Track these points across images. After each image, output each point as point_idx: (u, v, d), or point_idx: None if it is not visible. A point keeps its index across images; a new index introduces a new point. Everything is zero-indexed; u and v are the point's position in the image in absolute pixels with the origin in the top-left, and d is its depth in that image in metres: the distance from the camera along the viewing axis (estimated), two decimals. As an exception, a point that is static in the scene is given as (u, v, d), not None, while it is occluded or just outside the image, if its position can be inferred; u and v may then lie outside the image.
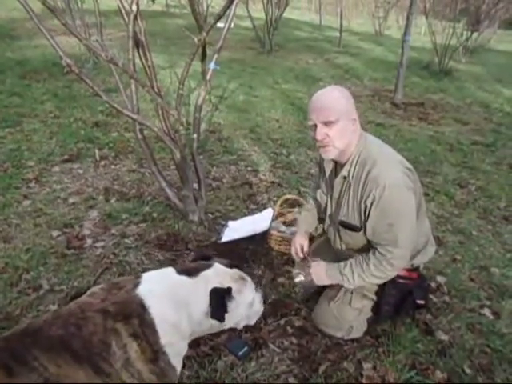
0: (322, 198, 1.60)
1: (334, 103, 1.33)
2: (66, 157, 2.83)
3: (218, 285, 1.16)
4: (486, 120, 4.83)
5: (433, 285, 1.89)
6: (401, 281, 1.48)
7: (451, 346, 1.56)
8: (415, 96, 5.54)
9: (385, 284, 1.47)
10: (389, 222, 1.31)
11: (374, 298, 1.53)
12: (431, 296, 1.80)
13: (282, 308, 1.68)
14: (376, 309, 1.54)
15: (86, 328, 0.98)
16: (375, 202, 1.31)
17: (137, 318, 1.03)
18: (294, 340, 1.54)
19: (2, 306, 1.57)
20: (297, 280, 1.57)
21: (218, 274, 1.20)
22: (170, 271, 1.18)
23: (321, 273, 1.50)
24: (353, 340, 1.54)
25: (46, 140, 3.05)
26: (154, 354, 1.02)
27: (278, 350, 1.49)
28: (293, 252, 1.67)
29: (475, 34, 8.18)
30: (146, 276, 1.15)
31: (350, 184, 1.40)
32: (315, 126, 1.34)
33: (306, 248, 1.65)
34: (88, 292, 1.13)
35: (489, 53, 10.23)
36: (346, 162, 1.40)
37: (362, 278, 1.40)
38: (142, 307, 1.05)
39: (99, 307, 1.03)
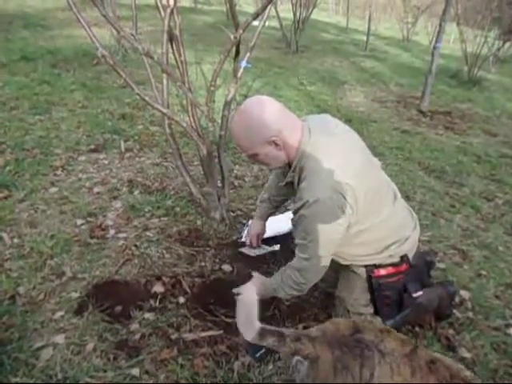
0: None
1: (240, 140, 1.33)
2: (92, 147, 2.88)
3: None
4: (515, 133, 4.69)
5: (456, 299, 1.83)
6: (389, 280, 1.45)
7: (474, 364, 1.51)
8: (442, 104, 5.42)
9: (372, 290, 1.45)
10: (304, 233, 1.31)
11: (370, 310, 1.51)
12: (454, 311, 1.75)
13: (301, 312, 1.66)
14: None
15: None
16: (299, 210, 1.29)
17: None
18: (313, 345, 1.52)
19: (27, 290, 1.60)
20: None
21: None
22: None
23: (251, 291, 1.49)
24: (372, 350, 1.51)
25: (74, 129, 3.11)
26: None
27: (295, 354, 1.47)
28: (248, 242, 1.87)
29: (507, 44, 7.95)
30: None
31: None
32: None
33: (261, 235, 1.85)
34: None
35: (520, 64, 9.93)
36: (291, 168, 1.37)
37: (282, 288, 1.40)
38: None
39: None
